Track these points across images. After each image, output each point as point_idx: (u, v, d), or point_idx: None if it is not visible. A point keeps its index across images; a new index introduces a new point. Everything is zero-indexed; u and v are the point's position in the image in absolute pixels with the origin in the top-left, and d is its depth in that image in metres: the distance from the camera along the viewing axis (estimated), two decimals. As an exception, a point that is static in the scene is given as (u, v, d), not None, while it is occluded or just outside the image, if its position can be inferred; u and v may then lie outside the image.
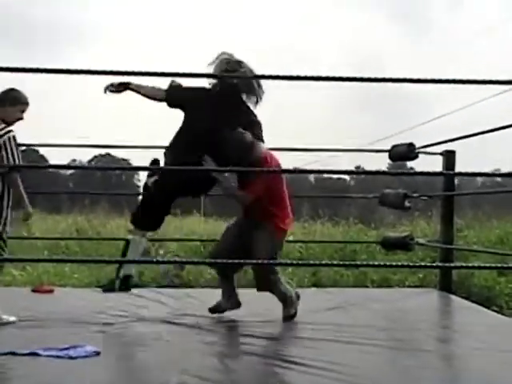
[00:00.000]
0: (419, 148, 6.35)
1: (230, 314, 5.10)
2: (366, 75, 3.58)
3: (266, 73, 3.67)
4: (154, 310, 5.31)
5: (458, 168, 6.51)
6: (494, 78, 3.64)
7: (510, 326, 5.16)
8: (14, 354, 3.64)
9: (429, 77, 3.60)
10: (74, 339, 4.03)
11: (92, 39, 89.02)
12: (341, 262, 8.51)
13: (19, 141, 4.77)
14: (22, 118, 4.83)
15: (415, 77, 3.62)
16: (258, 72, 4.59)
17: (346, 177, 50.62)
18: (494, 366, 3.71)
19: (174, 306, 5.50)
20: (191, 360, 3.69)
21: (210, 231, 16.34)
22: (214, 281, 8.95)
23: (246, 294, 5.18)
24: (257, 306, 5.29)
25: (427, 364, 3.79)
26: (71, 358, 3.59)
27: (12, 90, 4.79)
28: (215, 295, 5.21)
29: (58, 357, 3.59)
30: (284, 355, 3.87)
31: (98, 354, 3.71)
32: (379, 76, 3.65)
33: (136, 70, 3.49)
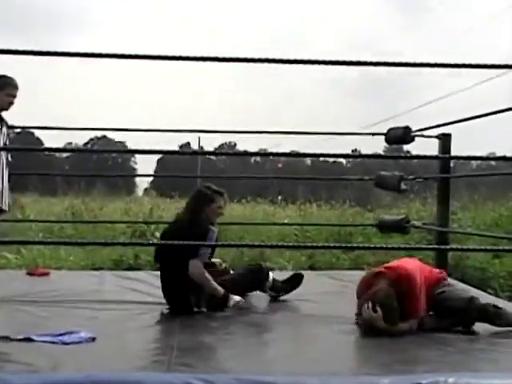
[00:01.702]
0: (415, 131, 6.35)
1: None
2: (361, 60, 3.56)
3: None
4: (149, 293, 5.30)
5: (454, 151, 6.51)
6: (488, 63, 3.63)
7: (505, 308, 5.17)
8: (8, 338, 3.64)
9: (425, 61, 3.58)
10: (70, 323, 4.03)
11: (91, 26, 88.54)
12: (337, 245, 8.49)
13: (15, 123, 4.85)
14: (12, 103, 4.87)
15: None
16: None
17: (343, 160, 50.65)
18: (489, 349, 3.72)
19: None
20: (186, 342, 3.69)
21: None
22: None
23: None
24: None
25: (423, 345, 3.80)
26: (65, 343, 3.58)
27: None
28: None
29: (52, 342, 3.58)
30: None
31: (93, 339, 3.70)
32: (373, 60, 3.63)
33: (136, 53, 3.47)
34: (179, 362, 3.24)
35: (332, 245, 7.88)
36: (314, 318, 4.56)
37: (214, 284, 4.70)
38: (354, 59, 3.60)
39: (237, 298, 4.74)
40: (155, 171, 44.82)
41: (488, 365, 3.40)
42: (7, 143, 5.16)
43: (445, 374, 2.96)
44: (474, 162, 37.04)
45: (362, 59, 3.62)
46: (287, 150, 5.23)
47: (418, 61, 3.63)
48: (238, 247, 9.52)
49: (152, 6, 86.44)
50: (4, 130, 5.09)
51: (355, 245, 4.82)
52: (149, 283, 5.72)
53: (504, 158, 4.00)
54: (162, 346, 3.70)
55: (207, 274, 4.69)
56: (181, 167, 38.48)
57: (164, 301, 4.79)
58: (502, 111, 4.88)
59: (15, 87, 4.98)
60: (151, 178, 42.99)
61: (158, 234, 10.78)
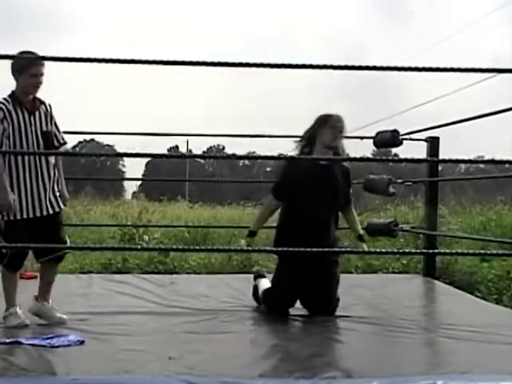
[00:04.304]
0: (403, 134, 6.37)
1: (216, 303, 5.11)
2: (347, 63, 3.56)
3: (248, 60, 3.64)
4: (138, 296, 5.29)
5: (442, 154, 6.54)
6: (474, 66, 3.65)
7: (492, 312, 5.20)
8: (-4, 342, 3.62)
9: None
10: (58, 326, 4.02)
11: (71, 27, 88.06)
12: (325, 250, 8.50)
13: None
14: (39, 84, 4.18)
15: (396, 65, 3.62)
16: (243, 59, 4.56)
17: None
18: (476, 351, 3.74)
19: (158, 293, 5.49)
20: (177, 348, 3.69)
21: (195, 217, 16.36)
22: (198, 267, 8.96)
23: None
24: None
25: (412, 350, 3.82)
26: (53, 346, 3.57)
27: (17, 56, 4.01)
28: (200, 281, 5.20)
29: (40, 346, 3.57)
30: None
31: (81, 342, 3.69)
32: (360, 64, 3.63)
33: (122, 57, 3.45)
34: (170, 366, 3.24)
35: (321, 250, 7.87)
36: (301, 320, 4.58)
37: None
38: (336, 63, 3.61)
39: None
40: (144, 174, 44.79)
41: (476, 366, 3.40)
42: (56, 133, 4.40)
43: (433, 377, 2.97)
44: (462, 166, 37.21)
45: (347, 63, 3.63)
46: (272, 153, 5.21)
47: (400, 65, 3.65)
48: (225, 252, 9.50)
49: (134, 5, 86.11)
50: (42, 117, 4.30)
51: (343, 249, 4.83)
52: (137, 287, 5.72)
53: (492, 162, 4.03)
54: (150, 349, 3.69)
55: None
56: (170, 171, 38.46)
57: (154, 306, 4.79)
58: (488, 115, 4.91)
59: (39, 64, 4.10)
60: (140, 182, 42.93)
61: (146, 238, 10.77)
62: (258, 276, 5.22)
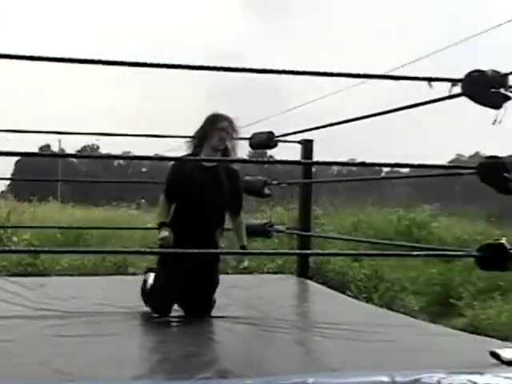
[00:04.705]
0: (279, 136, 6.44)
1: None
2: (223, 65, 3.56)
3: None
4: (5, 300, 5.07)
5: (316, 157, 6.66)
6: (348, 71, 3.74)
7: (363, 310, 5.34)
8: None
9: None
10: None
11: None
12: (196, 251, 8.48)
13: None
14: None
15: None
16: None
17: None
18: (348, 349, 3.81)
19: (27, 296, 5.29)
20: (46, 351, 3.55)
21: (68, 218, 15.94)
22: (70, 269, 8.73)
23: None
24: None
25: (286, 349, 3.84)
26: None
27: None
28: (72, 283, 5.06)
29: None
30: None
31: None
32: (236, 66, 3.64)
33: None
34: (39, 369, 3.12)
35: (197, 251, 7.84)
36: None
37: None
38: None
39: None
40: (13, 174, 43.19)
41: (348, 364, 3.46)
42: None
43: (304, 375, 2.99)
44: (335, 168, 38.18)
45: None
46: (152, 154, 5.13)
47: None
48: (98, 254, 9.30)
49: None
50: None
51: (219, 250, 4.82)
52: (3, 289, 5.49)
53: (363, 164, 4.13)
54: (19, 353, 3.53)
55: None
56: (41, 170, 37.29)
57: (23, 308, 4.60)
58: (362, 118, 5.03)
59: None
60: (8, 181, 41.33)
61: (15, 239, 10.38)
62: (149, 270, 5.12)
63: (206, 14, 76.97)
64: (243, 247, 4.98)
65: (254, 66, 3.82)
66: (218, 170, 4.78)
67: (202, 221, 4.68)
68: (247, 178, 6.77)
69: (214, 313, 4.72)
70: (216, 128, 4.69)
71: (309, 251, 6.74)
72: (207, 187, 4.70)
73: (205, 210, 4.68)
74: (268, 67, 3.84)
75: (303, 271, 6.88)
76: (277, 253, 6.80)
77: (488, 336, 4.70)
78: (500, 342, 4.05)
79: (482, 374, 3.01)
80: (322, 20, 71.19)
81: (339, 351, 3.78)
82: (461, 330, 5.69)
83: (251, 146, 6.71)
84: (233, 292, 5.73)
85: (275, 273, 8.34)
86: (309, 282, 6.63)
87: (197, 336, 4.12)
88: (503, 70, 3.61)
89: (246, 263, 4.93)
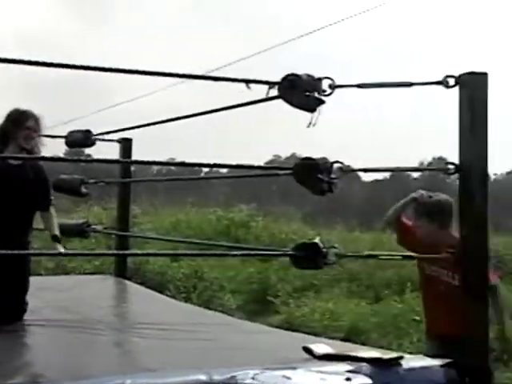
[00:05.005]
0: (96, 135, 6.32)
1: None
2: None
3: None
4: None
5: (135, 156, 6.61)
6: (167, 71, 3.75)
7: (182, 310, 5.37)
8: None
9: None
10: None
11: None
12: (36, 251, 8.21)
13: None
14: None
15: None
16: None
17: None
18: (168, 349, 3.81)
19: None
20: None
21: None
22: None
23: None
24: None
25: (103, 351, 3.78)
26: None
27: None
28: None
29: None
30: None
31: None
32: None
33: None
34: None
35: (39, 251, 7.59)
36: None
37: None
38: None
39: None
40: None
41: (168, 364, 3.45)
42: None
43: (122, 377, 2.94)
44: (154, 168, 38.05)
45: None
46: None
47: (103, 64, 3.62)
48: None
49: None
50: None
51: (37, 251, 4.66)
52: None
53: (182, 164, 4.15)
54: None
55: None
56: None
57: None
58: (181, 118, 5.04)
59: None
60: None
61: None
62: None
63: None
64: (55, 237, 4.85)
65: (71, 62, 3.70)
66: (25, 168, 4.62)
67: (10, 221, 4.51)
68: (63, 176, 6.59)
69: (26, 316, 4.54)
70: (23, 127, 4.53)
71: (126, 251, 6.68)
72: (16, 185, 4.54)
73: (13, 208, 4.51)
74: (86, 64, 3.75)
75: (121, 271, 6.80)
76: (93, 253, 6.66)
77: (302, 332, 4.89)
78: (313, 337, 4.23)
79: (294, 368, 3.11)
80: (145, 18, 70.84)
81: (157, 351, 3.77)
82: (277, 327, 5.89)
83: (67, 144, 6.54)
84: (46, 294, 5.53)
85: (93, 273, 8.18)
86: (127, 282, 6.56)
87: (7, 340, 3.94)
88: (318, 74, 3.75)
89: (59, 247, 4.79)
